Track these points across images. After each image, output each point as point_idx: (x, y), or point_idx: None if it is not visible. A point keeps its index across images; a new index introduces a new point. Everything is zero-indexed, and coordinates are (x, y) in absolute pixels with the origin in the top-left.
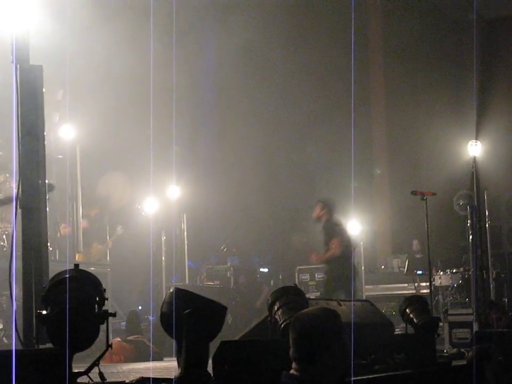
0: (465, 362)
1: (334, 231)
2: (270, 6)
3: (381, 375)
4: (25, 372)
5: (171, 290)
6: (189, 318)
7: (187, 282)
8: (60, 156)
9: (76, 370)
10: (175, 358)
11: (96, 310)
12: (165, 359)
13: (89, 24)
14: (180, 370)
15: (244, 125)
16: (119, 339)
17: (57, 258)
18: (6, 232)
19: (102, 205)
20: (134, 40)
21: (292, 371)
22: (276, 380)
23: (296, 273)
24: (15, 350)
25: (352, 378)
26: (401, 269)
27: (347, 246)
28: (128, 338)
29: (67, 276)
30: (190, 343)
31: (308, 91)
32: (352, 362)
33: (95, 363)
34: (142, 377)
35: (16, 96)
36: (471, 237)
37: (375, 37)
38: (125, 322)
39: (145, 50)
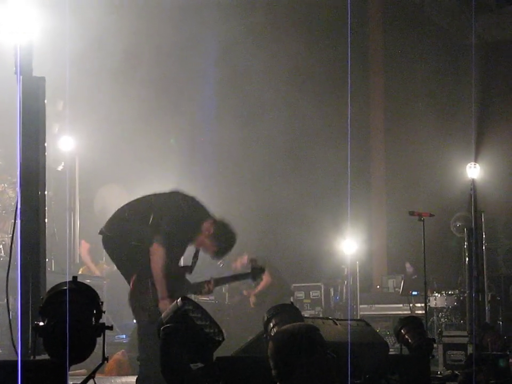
0: None
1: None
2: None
3: None
4: (22, 383)
5: (178, 304)
6: (166, 333)
7: None
8: (59, 168)
9: (71, 383)
10: None
11: (93, 323)
12: None
13: (91, 36)
14: None
15: (244, 141)
16: (123, 350)
17: (53, 269)
18: (3, 242)
19: (97, 217)
20: (137, 49)
21: None
22: None
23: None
24: (12, 360)
25: None
26: (396, 289)
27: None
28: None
29: (65, 288)
30: (166, 359)
31: (304, 109)
32: (349, 382)
33: (91, 375)
34: None
35: (18, 107)
36: (467, 259)
37: (375, 57)
38: (120, 335)
39: (148, 61)
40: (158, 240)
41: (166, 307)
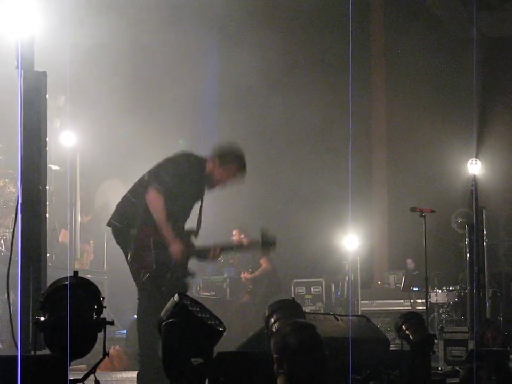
0: (458, 381)
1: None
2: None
3: None
4: (23, 378)
5: (175, 300)
6: (167, 328)
7: None
8: (57, 167)
9: (72, 378)
10: None
11: (94, 318)
12: None
13: (93, 31)
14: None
15: (244, 135)
16: (118, 346)
17: (54, 264)
18: (4, 237)
19: (98, 213)
20: (139, 46)
21: None
22: None
23: (292, 287)
24: (12, 355)
25: None
26: (397, 285)
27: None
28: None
29: (66, 282)
30: (168, 354)
31: (307, 104)
32: (350, 377)
33: (92, 371)
34: None
35: (20, 102)
36: (468, 255)
37: (376, 51)
38: (121, 331)
39: (150, 58)
40: (155, 186)
41: (179, 250)
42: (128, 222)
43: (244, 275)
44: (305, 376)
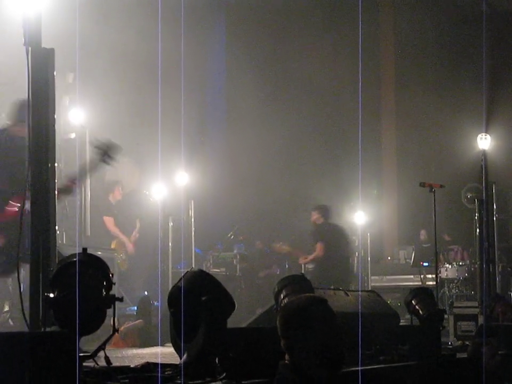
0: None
1: (320, 235)
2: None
3: (385, 365)
4: (33, 354)
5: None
6: (207, 304)
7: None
8: (72, 136)
9: (82, 354)
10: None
11: (104, 294)
12: (166, 344)
13: (103, 8)
14: (187, 355)
15: (253, 114)
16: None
17: (64, 242)
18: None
19: (106, 189)
20: (147, 25)
21: (285, 361)
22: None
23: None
24: (22, 332)
25: (359, 368)
26: (407, 260)
27: (331, 249)
28: (127, 325)
29: (75, 259)
30: (207, 330)
31: (319, 87)
32: (359, 352)
33: (101, 347)
34: (148, 362)
35: (28, 79)
36: (478, 230)
37: (386, 29)
38: (131, 307)
39: (156, 36)
40: None
41: None
42: None
43: (302, 260)
44: (318, 348)
